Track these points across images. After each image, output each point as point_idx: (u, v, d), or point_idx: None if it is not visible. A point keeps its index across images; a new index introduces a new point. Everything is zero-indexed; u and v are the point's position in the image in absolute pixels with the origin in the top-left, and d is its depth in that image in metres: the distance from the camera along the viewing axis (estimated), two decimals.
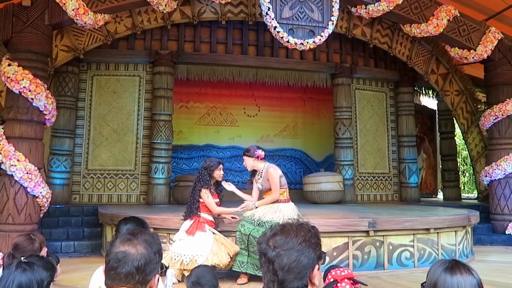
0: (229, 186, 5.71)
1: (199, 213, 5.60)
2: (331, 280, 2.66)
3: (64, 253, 7.45)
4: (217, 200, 5.73)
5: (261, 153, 5.67)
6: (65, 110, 9.17)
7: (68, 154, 9.32)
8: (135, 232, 1.85)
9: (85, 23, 7.18)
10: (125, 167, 9.70)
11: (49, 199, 7.19)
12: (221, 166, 5.75)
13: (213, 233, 5.58)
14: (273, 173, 5.56)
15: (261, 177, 5.67)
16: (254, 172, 5.81)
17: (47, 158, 8.94)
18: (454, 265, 1.79)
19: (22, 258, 2.35)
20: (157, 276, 1.81)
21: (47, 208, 7.32)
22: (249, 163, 5.67)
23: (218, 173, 5.71)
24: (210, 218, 5.69)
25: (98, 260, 6.44)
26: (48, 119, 7.25)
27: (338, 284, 2.65)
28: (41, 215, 7.31)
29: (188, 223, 5.59)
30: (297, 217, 5.58)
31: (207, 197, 5.57)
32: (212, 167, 5.69)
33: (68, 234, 8.01)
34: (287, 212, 5.55)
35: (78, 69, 9.63)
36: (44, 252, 3.40)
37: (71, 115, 9.38)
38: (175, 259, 5.33)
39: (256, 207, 5.63)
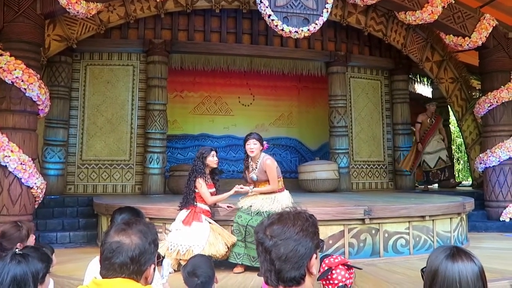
0: (244, 189, 5.66)
1: (195, 203, 5.59)
2: (326, 268, 2.66)
3: (60, 244, 7.45)
4: (213, 189, 5.69)
5: (266, 145, 5.71)
6: (58, 100, 9.10)
7: (62, 145, 9.27)
8: (130, 222, 1.83)
9: (77, 12, 7.10)
10: (120, 157, 9.67)
11: (44, 190, 7.16)
12: (213, 152, 5.71)
13: (210, 223, 5.56)
14: (271, 165, 5.53)
15: (256, 168, 5.62)
16: (247, 161, 5.75)
17: (41, 148, 8.90)
18: (455, 253, 1.78)
19: (17, 249, 2.33)
20: (153, 266, 1.80)
21: (41, 199, 7.30)
22: (257, 149, 5.57)
23: (212, 160, 5.66)
24: (206, 207, 5.66)
25: (93, 250, 6.44)
26: (42, 109, 7.20)
27: (333, 271, 2.65)
28: (36, 206, 7.28)
29: (184, 213, 5.57)
30: (292, 205, 5.60)
31: (201, 187, 5.54)
32: (204, 154, 5.65)
33: (63, 225, 7.99)
34: (284, 201, 5.55)
35: (71, 59, 9.54)
36: (32, 240, 3.39)
37: (64, 105, 9.32)
38: (171, 249, 5.32)
39: (252, 192, 5.61)
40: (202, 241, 5.32)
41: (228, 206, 5.87)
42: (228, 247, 5.46)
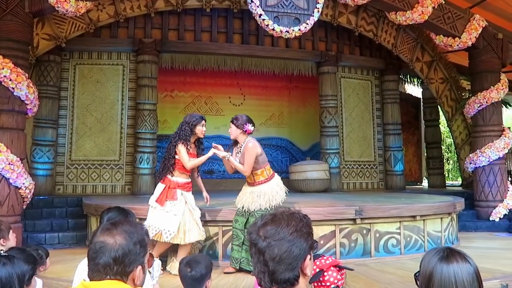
0: (221, 152, 5.30)
1: (172, 175, 5.31)
2: (317, 270, 2.63)
3: (49, 245, 7.35)
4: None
5: (250, 128, 5.42)
6: (47, 100, 9.01)
7: (51, 145, 9.17)
8: (117, 222, 1.79)
9: (66, 11, 7.03)
10: (110, 157, 9.59)
11: (32, 190, 7.07)
12: (203, 122, 5.42)
13: (186, 202, 5.30)
14: (251, 148, 5.29)
15: (240, 151, 5.41)
16: (234, 144, 5.57)
17: (30, 148, 8.79)
18: (449, 254, 1.75)
19: (2, 251, 2.29)
20: (139, 267, 1.75)
21: (30, 200, 7.21)
22: (234, 132, 5.40)
23: (200, 129, 5.37)
24: (184, 180, 5.36)
25: (83, 251, 6.35)
26: (30, 109, 7.11)
27: (325, 273, 2.63)
28: (24, 207, 7.19)
29: (160, 187, 5.34)
30: (283, 191, 5.49)
31: (181, 152, 5.22)
32: (194, 122, 5.34)
33: (52, 226, 7.91)
34: (272, 191, 5.38)
35: (60, 58, 9.45)
36: (13, 238, 3.37)
37: (53, 105, 9.23)
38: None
39: (228, 159, 5.33)
40: (173, 227, 5.11)
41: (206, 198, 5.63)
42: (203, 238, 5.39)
